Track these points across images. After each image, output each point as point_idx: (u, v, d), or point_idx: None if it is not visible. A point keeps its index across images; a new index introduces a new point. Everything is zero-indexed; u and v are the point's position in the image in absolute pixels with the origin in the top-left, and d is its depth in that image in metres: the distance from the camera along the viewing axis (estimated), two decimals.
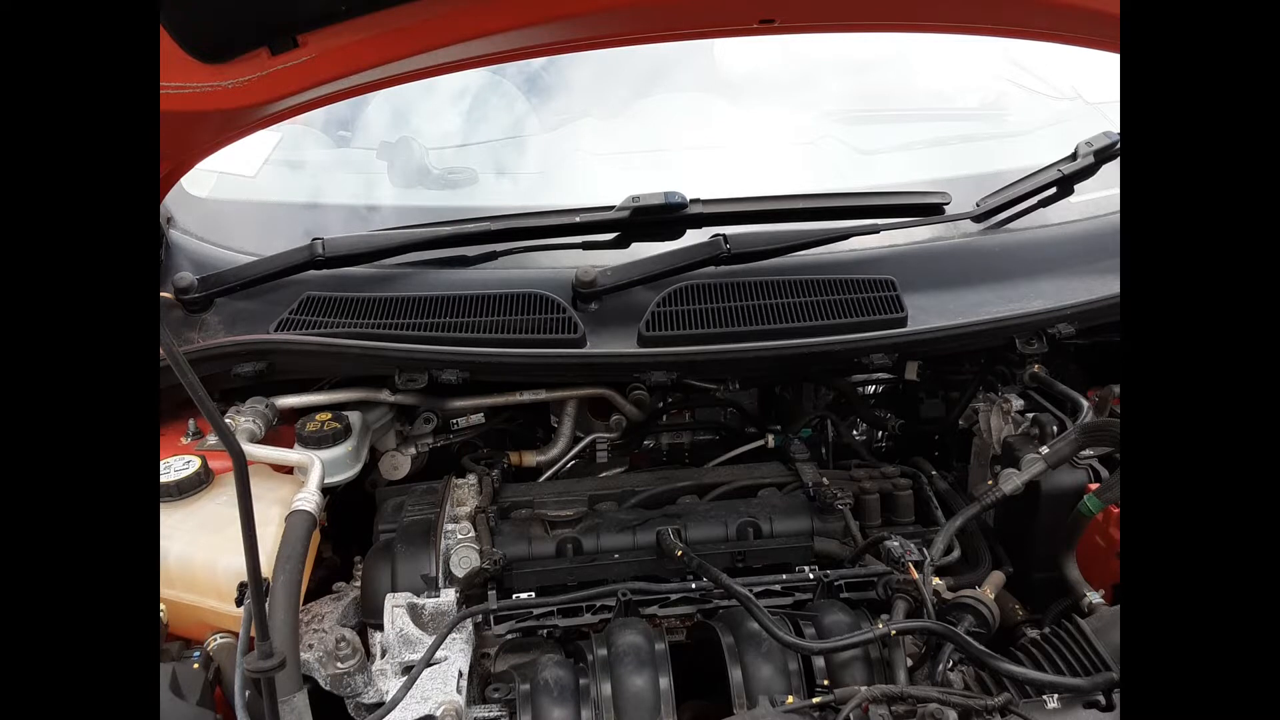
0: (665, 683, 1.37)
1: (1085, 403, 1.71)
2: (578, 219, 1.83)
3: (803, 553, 1.70)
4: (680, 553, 1.59)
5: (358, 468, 1.70)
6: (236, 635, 1.35)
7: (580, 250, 1.87)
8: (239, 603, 1.33)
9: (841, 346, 1.69)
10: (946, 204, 1.94)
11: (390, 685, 1.38)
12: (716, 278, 1.79)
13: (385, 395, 1.79)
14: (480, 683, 1.48)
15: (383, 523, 1.70)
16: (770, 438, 2.07)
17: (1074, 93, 2.43)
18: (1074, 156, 1.98)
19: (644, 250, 1.85)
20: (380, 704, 1.31)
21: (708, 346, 1.68)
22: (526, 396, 1.92)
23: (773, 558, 1.69)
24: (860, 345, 1.70)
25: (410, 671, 1.33)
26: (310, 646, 1.44)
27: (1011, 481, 1.62)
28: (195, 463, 1.56)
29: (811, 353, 1.69)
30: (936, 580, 1.51)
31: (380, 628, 1.47)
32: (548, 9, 1.39)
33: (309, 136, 2.30)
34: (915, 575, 1.48)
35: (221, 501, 1.53)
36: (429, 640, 1.41)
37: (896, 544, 1.56)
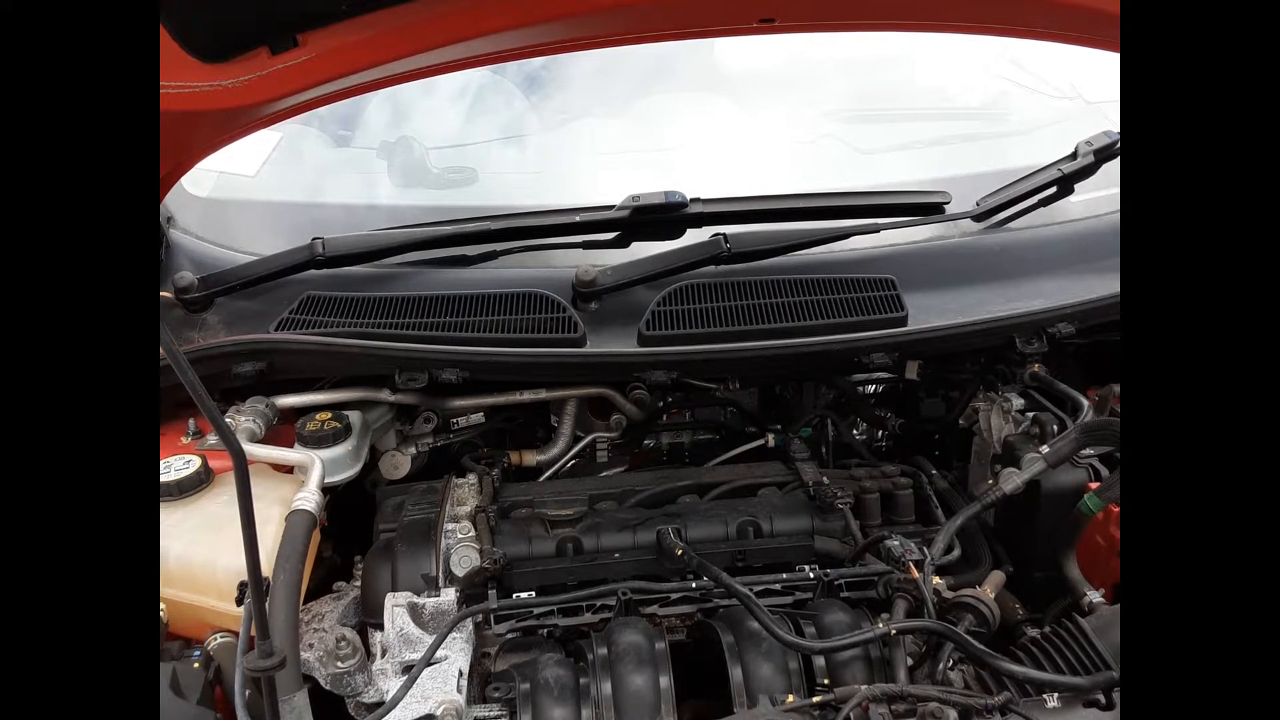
0: (665, 682, 1.37)
1: (1085, 402, 1.71)
2: (578, 218, 1.83)
3: (803, 552, 1.70)
4: (680, 552, 1.58)
5: (358, 467, 1.70)
6: (237, 634, 1.35)
7: (580, 250, 1.86)
8: (239, 602, 1.32)
9: (842, 346, 1.69)
10: (947, 203, 1.94)
11: (390, 684, 1.38)
12: (717, 277, 1.79)
13: (385, 395, 1.79)
14: (480, 682, 1.48)
15: (383, 522, 1.69)
16: (770, 437, 2.07)
17: (1074, 92, 2.43)
18: (1074, 156, 1.98)
19: (644, 250, 1.85)
20: (380, 703, 1.31)
21: (708, 346, 1.68)
22: (526, 396, 1.92)
23: (773, 557, 1.69)
24: (860, 344, 1.70)
25: (410, 671, 1.33)
26: (310, 646, 1.44)
27: (1012, 481, 1.62)
28: (195, 462, 1.56)
29: (812, 352, 1.69)
30: (936, 579, 1.51)
31: (380, 627, 1.47)
32: (548, 9, 1.39)
33: (309, 136, 2.30)
34: (915, 574, 1.48)
35: (222, 501, 1.53)
36: (429, 639, 1.41)
37: (897, 543, 1.56)
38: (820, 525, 1.71)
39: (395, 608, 1.46)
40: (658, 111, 2.33)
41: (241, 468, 1.00)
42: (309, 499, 1.47)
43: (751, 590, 1.46)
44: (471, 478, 1.79)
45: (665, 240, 1.86)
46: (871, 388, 2.13)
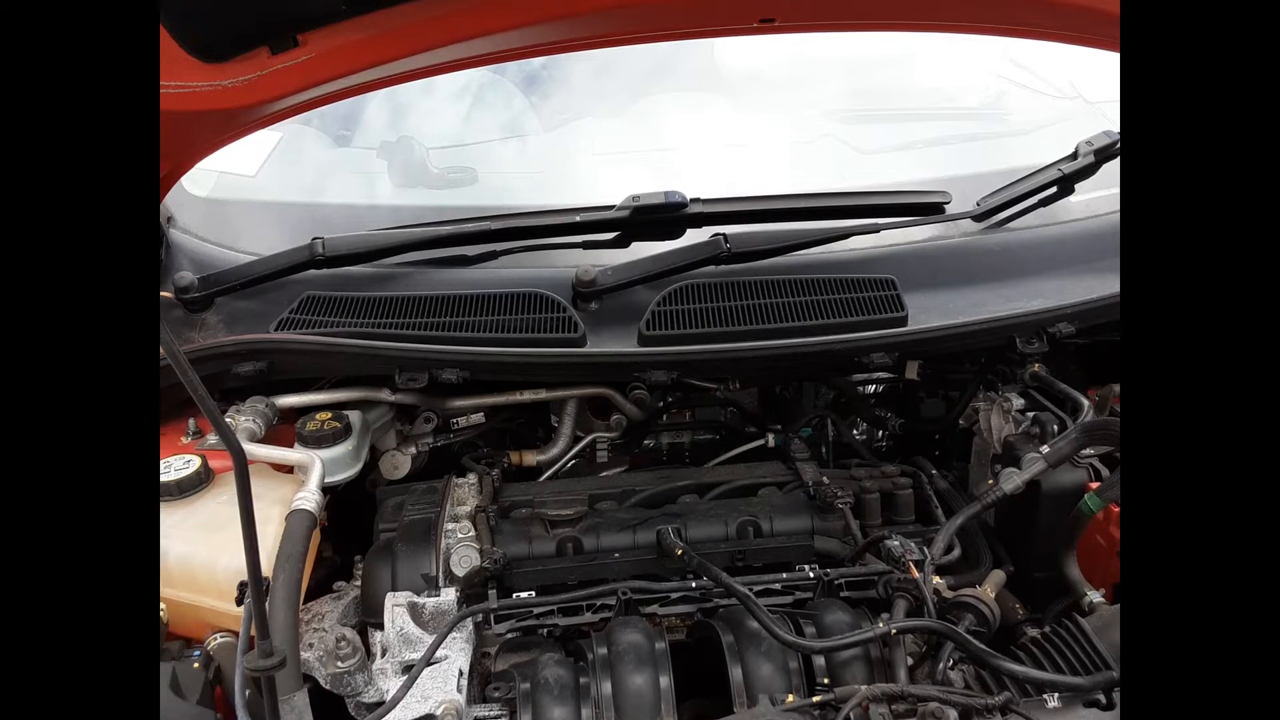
0: (665, 681, 1.37)
1: (1086, 402, 1.71)
2: (578, 218, 1.83)
3: (803, 551, 1.70)
4: (680, 552, 1.59)
5: (358, 467, 1.70)
6: (237, 634, 1.35)
7: (580, 250, 1.86)
8: (239, 602, 1.33)
9: (842, 346, 1.69)
10: (947, 203, 1.94)
11: (390, 684, 1.38)
12: (717, 277, 1.79)
13: (385, 395, 1.79)
14: (480, 682, 1.48)
15: (383, 522, 1.70)
16: (770, 437, 2.07)
17: (1074, 92, 2.43)
18: (1074, 156, 1.98)
19: (644, 250, 1.85)
20: (380, 703, 1.31)
21: (708, 346, 1.68)
22: (527, 396, 1.92)
23: (773, 556, 1.69)
24: (860, 345, 1.70)
25: (410, 671, 1.33)
26: (310, 645, 1.44)
27: (1012, 481, 1.62)
28: (195, 462, 1.56)
29: (812, 352, 1.69)
30: (937, 579, 1.51)
31: (380, 627, 1.47)
32: (548, 9, 1.39)
33: (309, 136, 2.30)
34: (915, 574, 1.48)
35: (222, 501, 1.53)
36: (429, 639, 1.41)
37: (897, 543, 1.56)
38: (820, 525, 1.71)
39: (395, 608, 1.46)
40: (657, 111, 2.33)
41: (241, 468, 1.00)
42: (309, 499, 1.47)
43: (751, 590, 1.46)
44: (471, 478, 1.79)
45: (665, 240, 1.86)
46: (871, 388, 2.13)
